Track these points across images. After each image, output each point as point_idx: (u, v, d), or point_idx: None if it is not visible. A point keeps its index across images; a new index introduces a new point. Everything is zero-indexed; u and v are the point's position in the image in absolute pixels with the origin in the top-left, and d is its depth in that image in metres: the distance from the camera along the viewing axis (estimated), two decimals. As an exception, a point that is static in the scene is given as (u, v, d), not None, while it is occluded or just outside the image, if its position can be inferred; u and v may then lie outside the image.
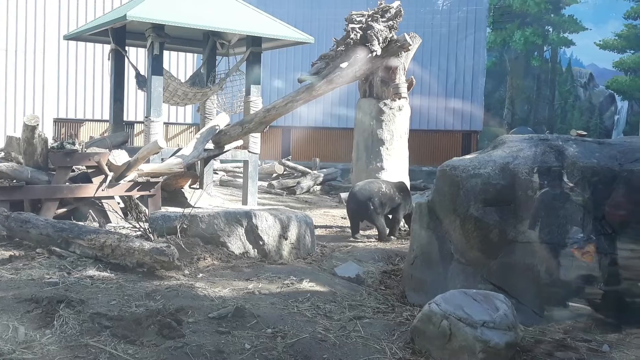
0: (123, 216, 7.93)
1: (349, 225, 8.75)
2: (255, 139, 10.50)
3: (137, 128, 19.27)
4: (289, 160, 17.25)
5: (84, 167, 8.05)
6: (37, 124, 7.60)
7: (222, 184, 14.96)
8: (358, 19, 8.96)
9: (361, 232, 8.60)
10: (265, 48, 11.39)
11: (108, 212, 7.89)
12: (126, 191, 8.20)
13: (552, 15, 33.60)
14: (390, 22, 9.05)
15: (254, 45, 10.67)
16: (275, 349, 3.82)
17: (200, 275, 5.42)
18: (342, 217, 10.30)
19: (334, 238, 8.44)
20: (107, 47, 11.62)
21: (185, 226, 6.22)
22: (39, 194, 7.60)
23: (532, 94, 33.63)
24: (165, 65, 10.59)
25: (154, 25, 9.61)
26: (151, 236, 6.03)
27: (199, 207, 7.39)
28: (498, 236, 5.00)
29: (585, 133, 11.90)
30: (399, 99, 9.50)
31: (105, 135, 15.29)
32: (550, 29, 33.81)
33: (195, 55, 18.27)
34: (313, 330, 4.19)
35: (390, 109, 9.46)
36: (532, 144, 5.25)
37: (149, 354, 3.61)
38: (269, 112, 9.37)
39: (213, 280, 5.26)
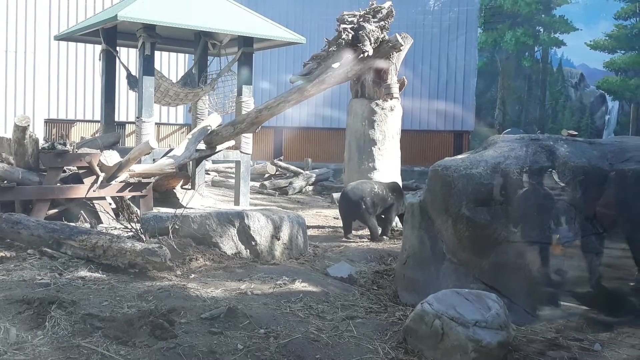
0: (115, 217, 7.90)
1: (342, 225, 8.75)
2: (247, 140, 10.49)
3: (129, 128, 19.23)
4: (281, 160, 17.23)
5: (75, 168, 8.01)
6: (28, 125, 7.57)
7: (214, 184, 14.93)
8: (350, 19, 8.97)
9: (354, 232, 8.61)
10: (257, 48, 11.39)
11: (99, 213, 7.87)
12: (118, 192, 8.18)
13: (542, 15, 33.77)
14: (382, 23, 9.07)
15: (246, 45, 10.67)
16: (267, 349, 3.82)
17: (193, 275, 5.41)
18: (334, 218, 10.30)
19: (326, 238, 8.44)
20: (98, 48, 11.60)
21: (177, 227, 6.20)
22: (30, 194, 7.57)
23: (523, 94, 33.78)
24: (157, 66, 10.57)
25: (145, 26, 9.59)
26: (143, 237, 6.01)
27: (191, 208, 7.38)
28: (490, 236, 5.01)
29: (576, 133, 11.96)
30: (391, 99, 9.51)
31: (96, 135, 15.23)
32: (541, 30, 33.98)
33: (187, 55, 18.26)
34: (306, 330, 4.19)
35: (382, 109, 9.47)
36: (523, 144, 5.27)
37: (141, 355, 3.60)
38: (261, 113, 9.36)
39: (205, 280, 5.25)
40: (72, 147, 8.21)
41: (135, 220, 6.94)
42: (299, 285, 5.30)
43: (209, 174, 15.36)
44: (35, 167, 7.81)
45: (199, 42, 11.27)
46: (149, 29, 9.67)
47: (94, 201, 7.96)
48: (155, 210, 8.15)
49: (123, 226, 6.82)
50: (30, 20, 16.00)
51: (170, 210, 6.93)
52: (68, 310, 4.13)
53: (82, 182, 7.87)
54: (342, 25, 8.87)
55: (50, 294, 4.50)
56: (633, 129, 30.60)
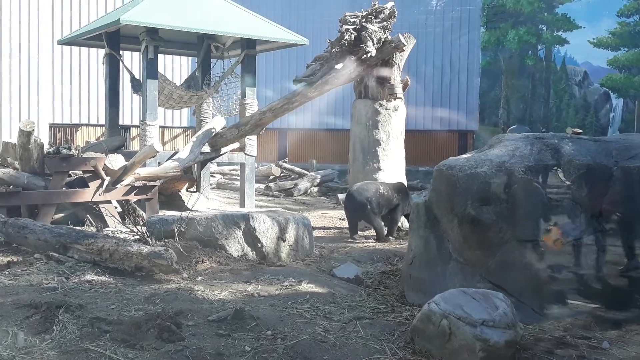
0: (120, 220, 7.92)
1: (347, 226, 8.75)
2: (251, 142, 10.50)
3: (133, 132, 19.26)
4: (285, 162, 17.23)
5: (81, 172, 8.04)
6: (33, 130, 7.59)
7: (219, 186, 14.94)
8: (352, 20, 8.96)
9: (359, 233, 8.60)
10: (260, 50, 11.40)
11: (105, 217, 7.89)
12: (123, 195, 8.19)
13: (545, 14, 33.69)
14: (384, 23, 9.07)
15: (249, 47, 10.68)
16: (275, 350, 3.82)
17: (199, 278, 5.42)
18: (340, 219, 10.30)
19: (332, 239, 8.44)
20: (102, 52, 11.62)
21: (183, 229, 6.21)
22: (36, 199, 7.58)
23: (527, 92, 33.72)
24: (160, 69, 10.60)
25: (148, 29, 9.61)
26: (149, 240, 6.02)
27: (197, 211, 7.38)
28: (496, 235, 5.00)
29: (580, 131, 11.94)
30: (395, 99, 9.51)
31: (101, 139, 15.25)
32: (544, 28, 33.91)
33: (190, 58, 18.28)
34: (313, 331, 4.19)
35: (386, 109, 9.47)
36: (528, 142, 5.26)
37: (149, 358, 3.61)
38: (265, 115, 9.37)
39: (212, 283, 5.26)
40: (77, 152, 8.23)
41: (141, 223, 6.96)
42: (306, 287, 5.30)
43: (214, 177, 15.37)
44: (40, 172, 7.83)
45: (202, 45, 11.29)
46: (152, 32, 9.69)
47: (99, 205, 7.98)
48: (161, 213, 8.16)
49: (129, 229, 6.83)
50: (34, 25, 16.05)
51: (176, 213, 6.93)
52: (75, 314, 4.14)
53: (88, 186, 7.89)
54: (345, 26, 8.87)
55: (58, 298, 4.50)
56: (638, 126, 30.51)
